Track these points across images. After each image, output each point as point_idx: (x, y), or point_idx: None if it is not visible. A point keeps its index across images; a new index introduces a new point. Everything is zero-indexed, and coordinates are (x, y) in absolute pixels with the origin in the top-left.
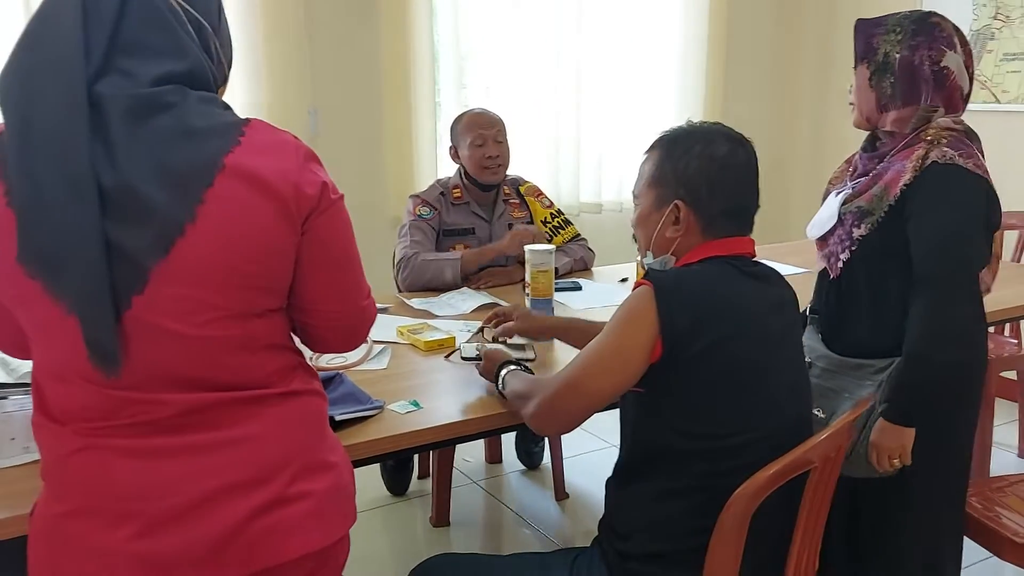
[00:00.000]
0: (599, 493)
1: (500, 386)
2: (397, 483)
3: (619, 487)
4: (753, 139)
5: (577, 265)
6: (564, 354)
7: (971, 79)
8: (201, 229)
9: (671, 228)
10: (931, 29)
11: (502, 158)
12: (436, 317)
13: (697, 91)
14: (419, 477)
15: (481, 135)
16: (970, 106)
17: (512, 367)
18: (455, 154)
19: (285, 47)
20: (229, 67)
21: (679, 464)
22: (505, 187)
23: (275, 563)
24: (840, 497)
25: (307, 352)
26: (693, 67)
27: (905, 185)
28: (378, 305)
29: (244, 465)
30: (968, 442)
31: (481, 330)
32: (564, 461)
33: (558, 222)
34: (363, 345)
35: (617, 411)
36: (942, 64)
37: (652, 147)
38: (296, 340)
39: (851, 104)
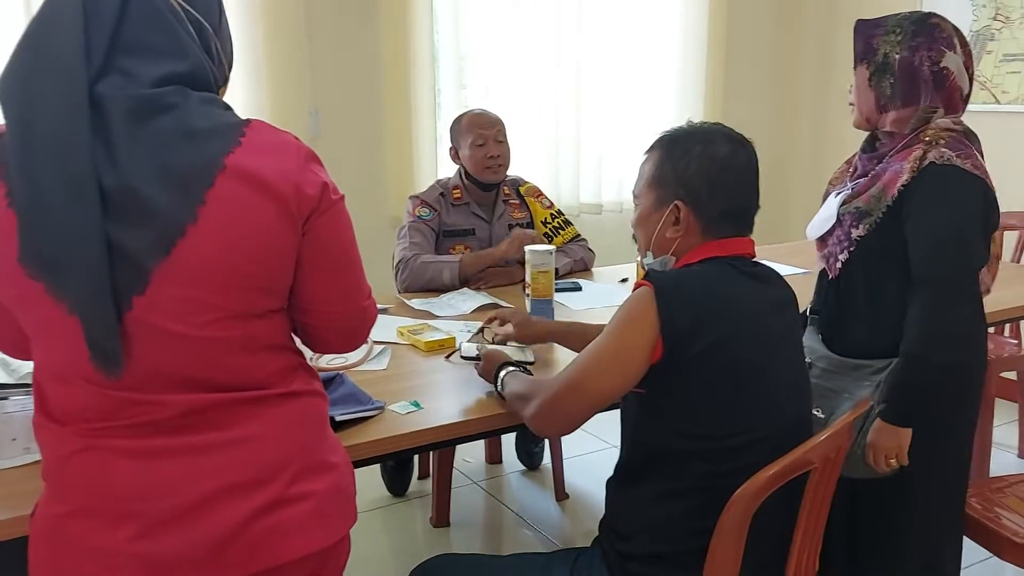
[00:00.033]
0: (599, 494)
1: (499, 387)
2: (397, 483)
3: (620, 488)
4: (753, 139)
5: (577, 266)
6: (564, 355)
7: (971, 80)
8: (202, 230)
9: (671, 228)
10: (931, 30)
11: (503, 158)
12: (436, 318)
13: (697, 91)
14: (419, 477)
15: (482, 135)
16: (970, 107)
17: (511, 368)
18: (455, 155)
19: (285, 48)
20: (230, 68)
21: (679, 465)
22: (505, 187)
23: (276, 563)
24: (840, 497)
25: (307, 352)
26: (693, 67)
27: (903, 186)
28: (378, 306)
29: (245, 466)
30: (968, 442)
31: (481, 330)
32: (564, 461)
33: (558, 222)
34: (363, 346)
35: (617, 411)
36: (941, 65)
37: (652, 147)
38: (297, 341)
39: (851, 104)
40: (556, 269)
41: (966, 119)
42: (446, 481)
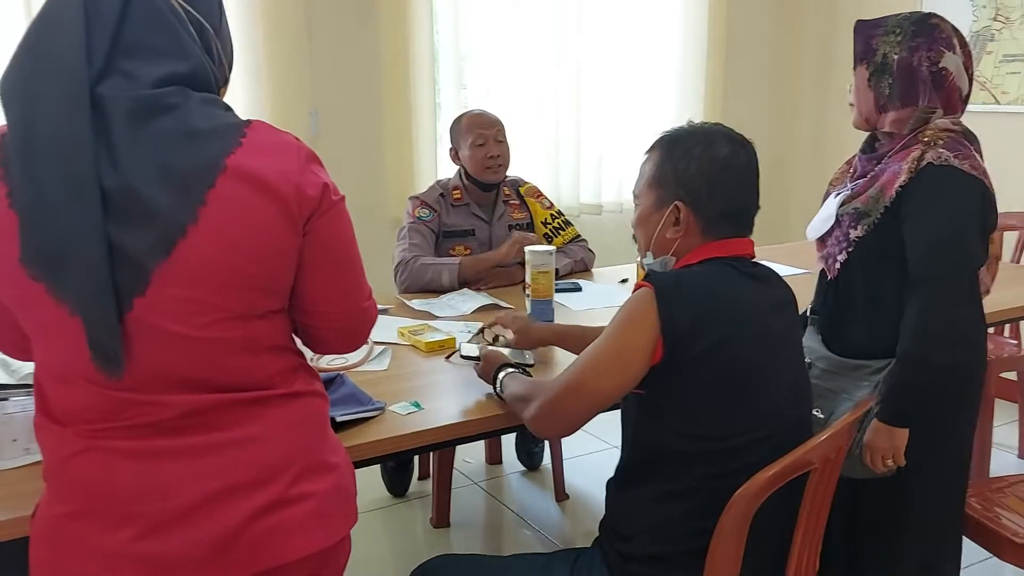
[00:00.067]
0: (599, 494)
1: (498, 389)
2: (397, 484)
3: (620, 488)
4: (753, 139)
5: (577, 266)
6: (563, 356)
7: (970, 80)
8: (203, 230)
9: (671, 229)
10: (930, 30)
11: (503, 158)
12: (437, 318)
13: (697, 91)
14: (419, 478)
15: (482, 135)
16: (970, 107)
17: (510, 370)
18: (455, 155)
19: (285, 48)
20: (230, 68)
21: (680, 466)
22: (505, 188)
23: (277, 564)
24: (840, 498)
25: (308, 353)
26: (693, 67)
27: (900, 186)
28: (379, 306)
29: (246, 466)
30: (967, 442)
31: (481, 331)
32: (564, 462)
33: (558, 223)
34: (364, 346)
35: (617, 412)
36: (940, 65)
37: (653, 147)
38: (297, 341)
39: (850, 105)
40: (556, 270)
41: (966, 120)
42: (446, 482)
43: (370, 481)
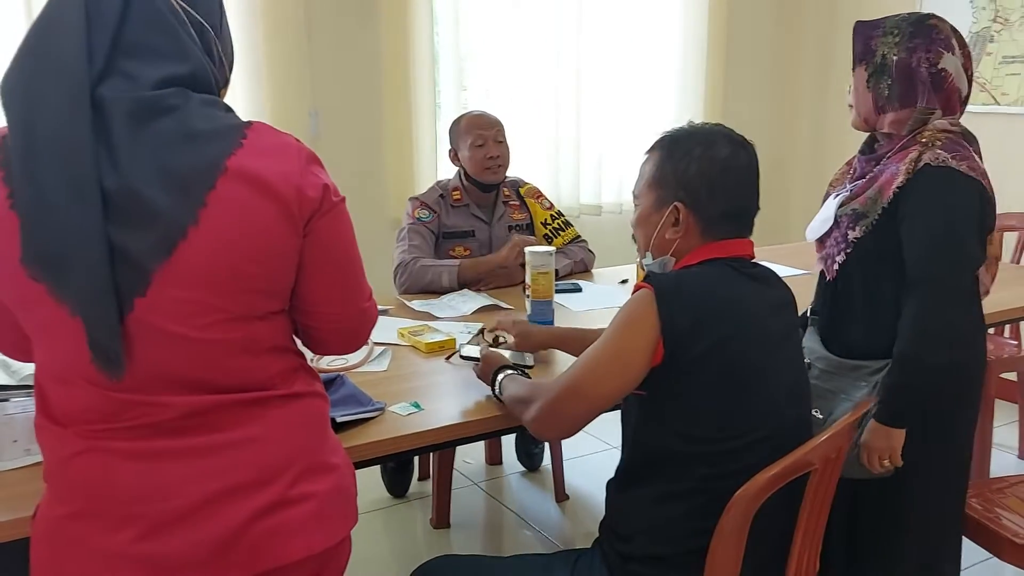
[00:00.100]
0: (599, 495)
1: (497, 390)
2: (397, 485)
3: (620, 489)
4: (753, 140)
5: (577, 267)
6: (563, 357)
7: (970, 81)
8: (203, 231)
9: (671, 230)
10: (929, 31)
11: (502, 158)
12: (437, 319)
13: (697, 92)
14: (419, 479)
15: (481, 135)
16: (969, 108)
17: (509, 372)
18: (455, 156)
19: (285, 49)
20: (231, 69)
21: (680, 467)
22: (505, 189)
23: (277, 565)
24: (840, 498)
25: (308, 354)
26: (693, 68)
27: (898, 187)
28: (379, 307)
29: (246, 467)
30: (967, 443)
31: (481, 332)
32: (564, 463)
33: (558, 224)
34: (364, 347)
35: (617, 413)
36: (939, 66)
37: (653, 147)
38: (297, 342)
39: (850, 106)
40: (556, 270)
41: (966, 120)
42: (446, 482)
43: (370, 482)
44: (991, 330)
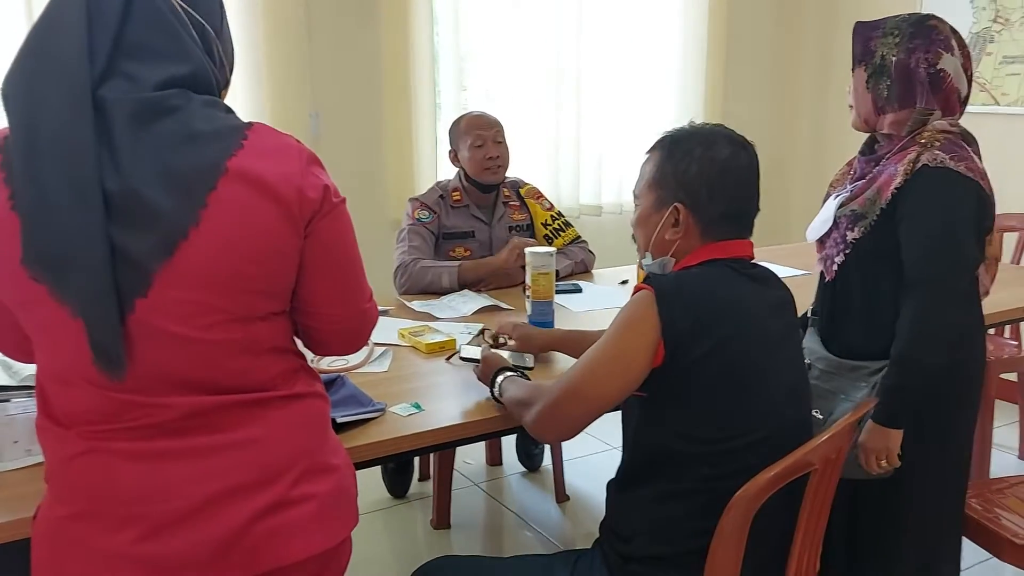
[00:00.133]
0: (599, 495)
1: (497, 392)
2: (398, 485)
3: (620, 490)
4: (753, 140)
5: (577, 267)
6: (563, 358)
7: (970, 82)
8: (204, 233)
9: (670, 230)
10: (928, 32)
11: (502, 159)
12: (437, 320)
13: (697, 92)
14: (420, 479)
15: (480, 136)
16: (970, 108)
17: (509, 373)
18: (454, 157)
19: (285, 50)
20: (231, 70)
21: (681, 467)
22: (505, 189)
23: (278, 565)
24: (840, 498)
25: (308, 355)
26: (693, 68)
27: (896, 188)
28: (379, 308)
29: (247, 468)
30: (967, 443)
31: (481, 332)
32: (564, 463)
33: (558, 224)
34: (364, 348)
35: (617, 413)
36: (938, 67)
37: (653, 148)
38: (298, 343)
39: (850, 106)
40: (556, 271)
41: (966, 121)
42: (447, 483)
43: (371, 482)
44: (991, 330)
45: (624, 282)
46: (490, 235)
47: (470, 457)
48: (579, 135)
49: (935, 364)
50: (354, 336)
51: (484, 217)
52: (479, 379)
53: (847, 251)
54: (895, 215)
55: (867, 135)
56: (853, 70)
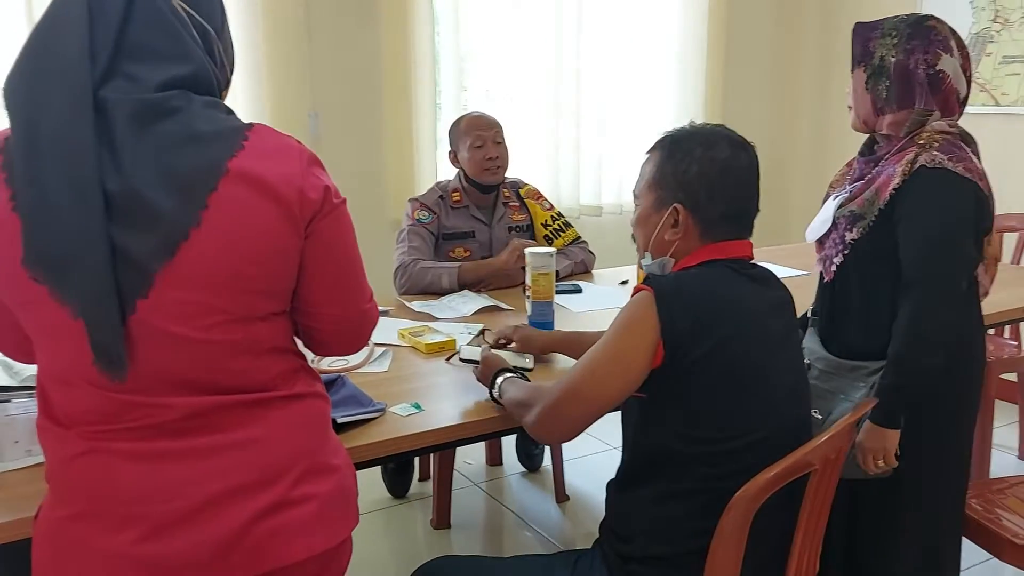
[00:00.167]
0: (599, 495)
1: (496, 393)
2: (398, 485)
3: (620, 490)
4: (753, 140)
5: (578, 268)
6: (562, 360)
7: (969, 82)
8: (205, 233)
9: (670, 231)
10: (927, 33)
11: (501, 159)
12: (437, 320)
13: (697, 93)
14: (420, 479)
15: (480, 136)
16: (969, 109)
17: (509, 374)
18: (454, 158)
19: (285, 50)
20: (232, 71)
21: (680, 467)
22: (505, 190)
23: (279, 565)
24: (839, 498)
25: (308, 355)
26: (692, 69)
27: (894, 189)
28: (379, 308)
29: (248, 468)
30: (967, 443)
31: (481, 333)
32: (564, 463)
33: (558, 225)
34: (365, 348)
35: (617, 413)
36: (937, 68)
37: (653, 148)
38: (298, 343)
39: (849, 107)
40: (556, 271)
41: (966, 121)
42: (447, 483)
43: (371, 482)
44: (991, 331)
45: (624, 282)
46: (490, 236)
47: (470, 457)
48: (579, 135)
49: (932, 364)
50: (354, 336)
51: (484, 218)
52: (478, 380)
53: (846, 252)
54: (893, 216)
55: (867, 136)
56: (852, 71)
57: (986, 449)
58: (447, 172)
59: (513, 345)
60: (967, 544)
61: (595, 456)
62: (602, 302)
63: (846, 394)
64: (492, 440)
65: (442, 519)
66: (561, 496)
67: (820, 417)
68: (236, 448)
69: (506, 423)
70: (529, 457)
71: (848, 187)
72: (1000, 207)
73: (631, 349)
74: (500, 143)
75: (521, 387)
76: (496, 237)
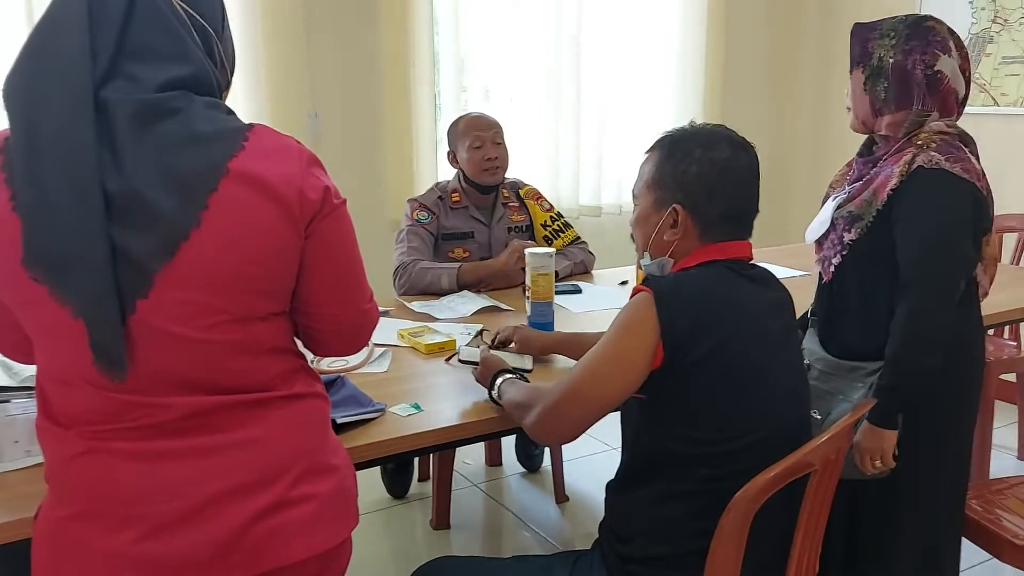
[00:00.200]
0: (599, 496)
1: (496, 394)
2: (397, 486)
3: (620, 490)
4: (752, 141)
5: (577, 268)
6: (562, 361)
7: (968, 83)
8: (205, 234)
9: (669, 231)
10: (925, 33)
11: (500, 160)
12: (436, 320)
13: (696, 93)
14: (419, 480)
15: (479, 137)
16: (969, 109)
17: (508, 375)
18: (453, 159)
19: (285, 50)
20: (232, 71)
21: (680, 468)
22: (504, 190)
23: (279, 565)
24: (839, 499)
25: (308, 355)
26: (692, 69)
27: (892, 190)
28: (379, 308)
29: (248, 468)
30: (967, 444)
31: (480, 333)
32: (564, 464)
33: (558, 225)
34: (364, 348)
35: (617, 414)
36: (935, 68)
37: (653, 147)
38: (298, 343)
39: (848, 108)
40: (556, 272)
41: (965, 122)
42: (446, 483)
43: (370, 482)
44: (991, 331)
45: (624, 283)
46: (489, 236)
47: (470, 458)
48: (579, 136)
49: (929, 364)
50: (354, 337)
51: (483, 218)
52: (477, 381)
53: (844, 252)
54: (891, 216)
55: (866, 136)
56: (851, 72)
57: (986, 450)
58: (447, 172)
59: (512, 346)
60: (967, 544)
61: (595, 457)
62: (602, 303)
63: (845, 395)
64: (492, 440)
65: (441, 520)
66: (561, 497)
67: (819, 418)
68: (236, 448)
69: (505, 424)
70: (529, 458)
71: (847, 188)
72: (999, 207)
73: (631, 350)
74: (499, 144)
75: (520, 388)
76: (495, 238)
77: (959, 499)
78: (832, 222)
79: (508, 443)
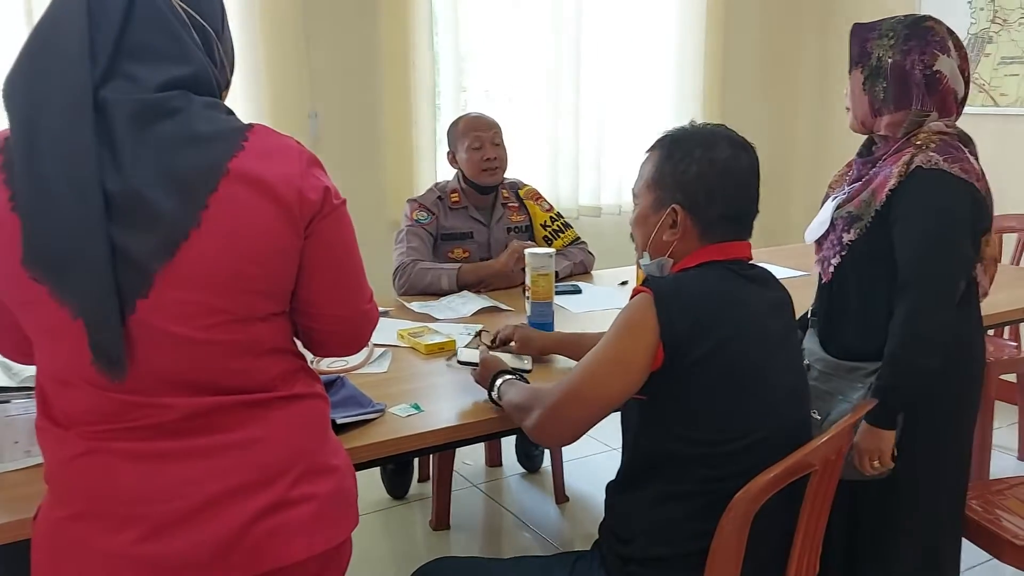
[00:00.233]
0: (599, 497)
1: (496, 395)
2: (397, 486)
3: (620, 491)
4: (752, 141)
5: (577, 269)
6: (562, 361)
7: (967, 83)
8: (205, 234)
9: (668, 232)
10: (924, 33)
11: (500, 160)
12: (436, 320)
13: (695, 93)
14: (419, 480)
15: (478, 137)
16: (968, 109)
17: (508, 376)
18: (453, 159)
19: (284, 50)
20: (231, 71)
21: (680, 469)
22: (504, 190)
23: (278, 566)
24: (839, 499)
25: (308, 355)
26: (691, 69)
27: (890, 190)
28: (379, 308)
29: (248, 468)
30: (967, 444)
31: (479, 334)
32: (564, 465)
33: (557, 225)
34: (364, 349)
35: (616, 415)
36: (934, 68)
37: (653, 147)
38: (298, 343)
39: (847, 108)
40: (556, 272)
41: (964, 122)
42: (446, 484)
43: (370, 483)
44: (991, 332)
45: (623, 283)
46: (488, 236)
47: (469, 458)
48: (578, 136)
49: (928, 364)
50: (354, 337)
51: (482, 218)
52: (477, 382)
53: (843, 253)
54: (889, 217)
55: (865, 137)
56: (850, 72)
57: (986, 450)
58: (446, 173)
59: (512, 345)
60: (967, 545)
61: (595, 457)
62: (601, 303)
63: (844, 395)
64: (491, 441)
65: (441, 520)
66: (561, 497)
67: (819, 418)
68: (236, 448)
69: (505, 424)
70: (528, 458)
71: (846, 188)
72: (999, 207)
73: (631, 351)
74: (499, 144)
75: (520, 390)
76: (495, 238)
77: (959, 499)
78: (831, 222)
79: (508, 444)
